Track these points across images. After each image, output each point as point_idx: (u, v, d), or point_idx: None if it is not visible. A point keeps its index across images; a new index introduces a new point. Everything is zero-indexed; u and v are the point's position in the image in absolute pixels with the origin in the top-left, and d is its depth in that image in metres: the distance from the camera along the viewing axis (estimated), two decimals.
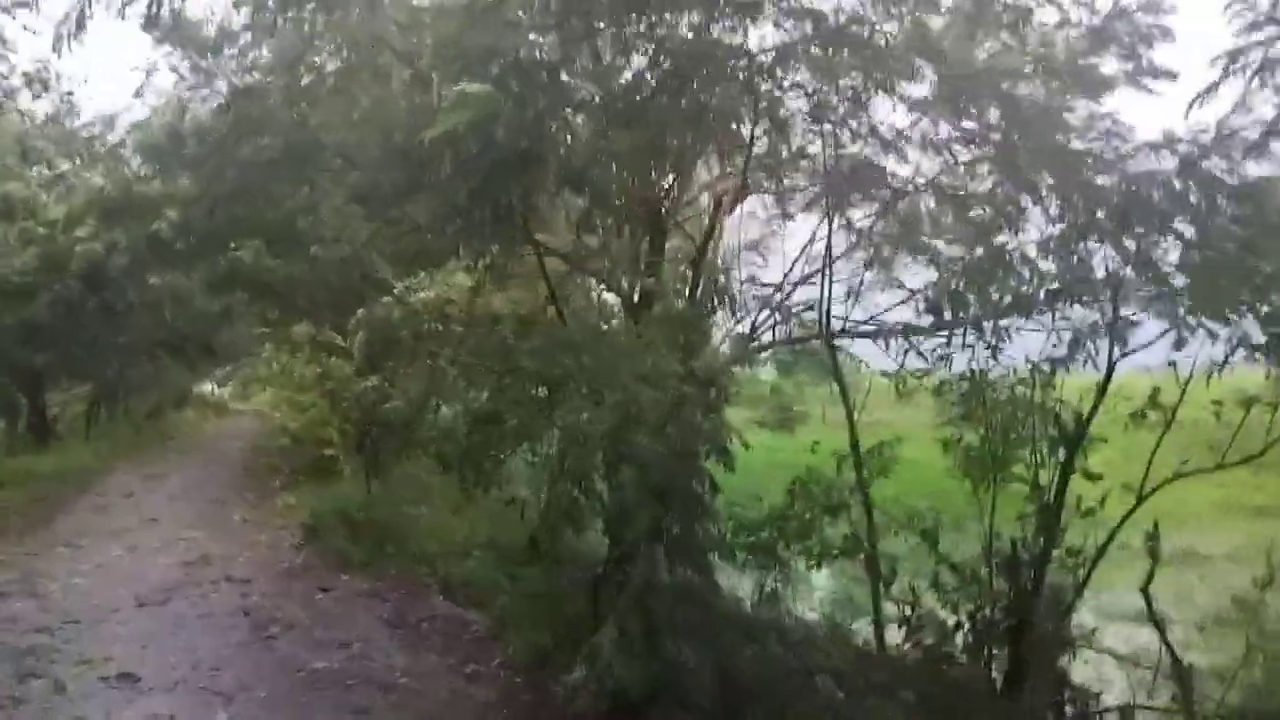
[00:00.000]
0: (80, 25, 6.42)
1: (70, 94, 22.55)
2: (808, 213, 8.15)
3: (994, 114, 6.65)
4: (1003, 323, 6.57)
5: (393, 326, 11.99)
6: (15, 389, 23.38)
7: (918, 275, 7.43)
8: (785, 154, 7.43)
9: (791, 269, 8.05)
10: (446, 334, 12.23)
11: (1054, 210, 6.55)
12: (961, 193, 7.44)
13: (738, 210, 8.43)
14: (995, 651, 6.67)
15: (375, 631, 7.37)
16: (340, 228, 13.30)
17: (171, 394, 36.03)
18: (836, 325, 7.31)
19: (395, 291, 13.63)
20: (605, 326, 8.69)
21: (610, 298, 11.39)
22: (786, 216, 8.35)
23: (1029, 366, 6.65)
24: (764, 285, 8.37)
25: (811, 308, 7.69)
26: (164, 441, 26.64)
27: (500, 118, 5.45)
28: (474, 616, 7.92)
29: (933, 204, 7.62)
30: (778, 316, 7.95)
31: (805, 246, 7.99)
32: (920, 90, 6.57)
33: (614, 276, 8.66)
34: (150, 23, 7.12)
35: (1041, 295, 6.31)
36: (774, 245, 8.68)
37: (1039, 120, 6.51)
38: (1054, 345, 6.43)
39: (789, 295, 8.04)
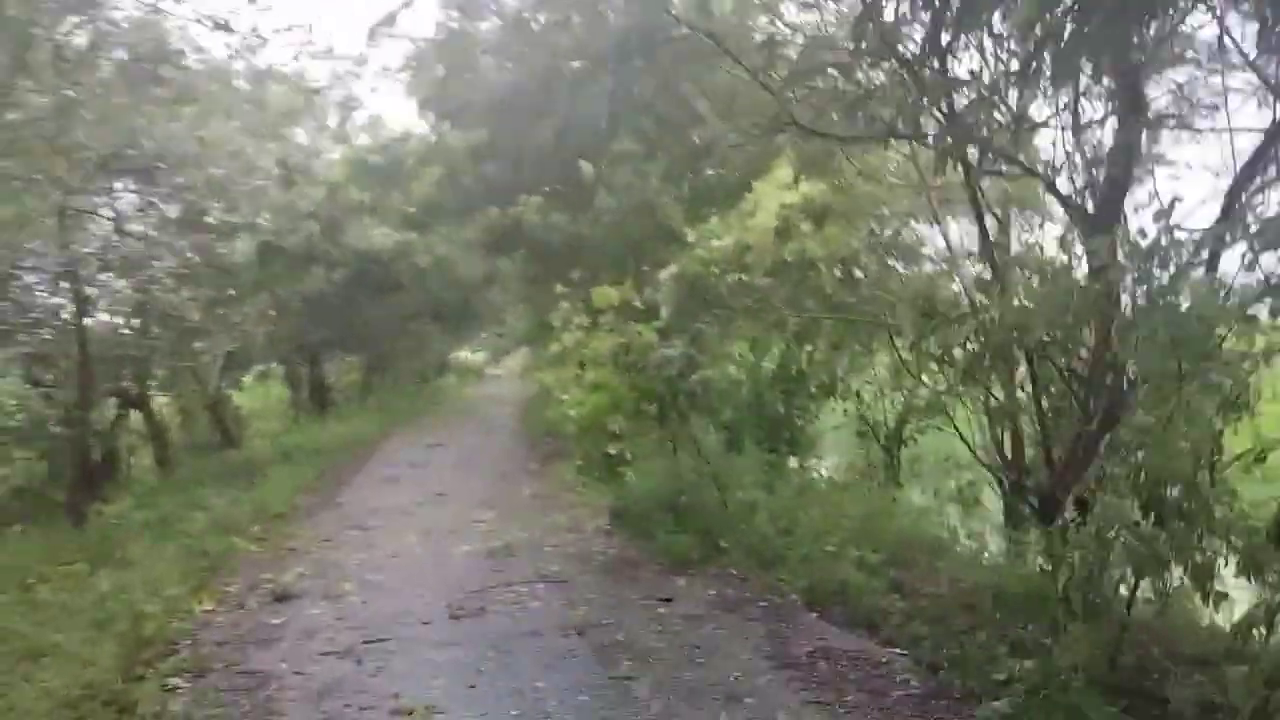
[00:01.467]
0: None
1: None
2: None
3: None
4: None
5: (702, 282, 9.98)
6: (299, 361, 23.79)
7: None
8: None
9: None
10: (748, 286, 10.12)
11: None
12: None
13: None
14: None
15: (760, 672, 5.29)
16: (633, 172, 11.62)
17: (434, 361, 36.62)
18: None
19: (689, 241, 11.69)
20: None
21: None
22: None
23: None
24: None
25: None
26: (433, 408, 26.46)
27: None
28: (876, 648, 5.69)
29: None
30: None
31: None
32: None
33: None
34: None
35: None
36: None
37: None
38: None
39: None
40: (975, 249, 10.58)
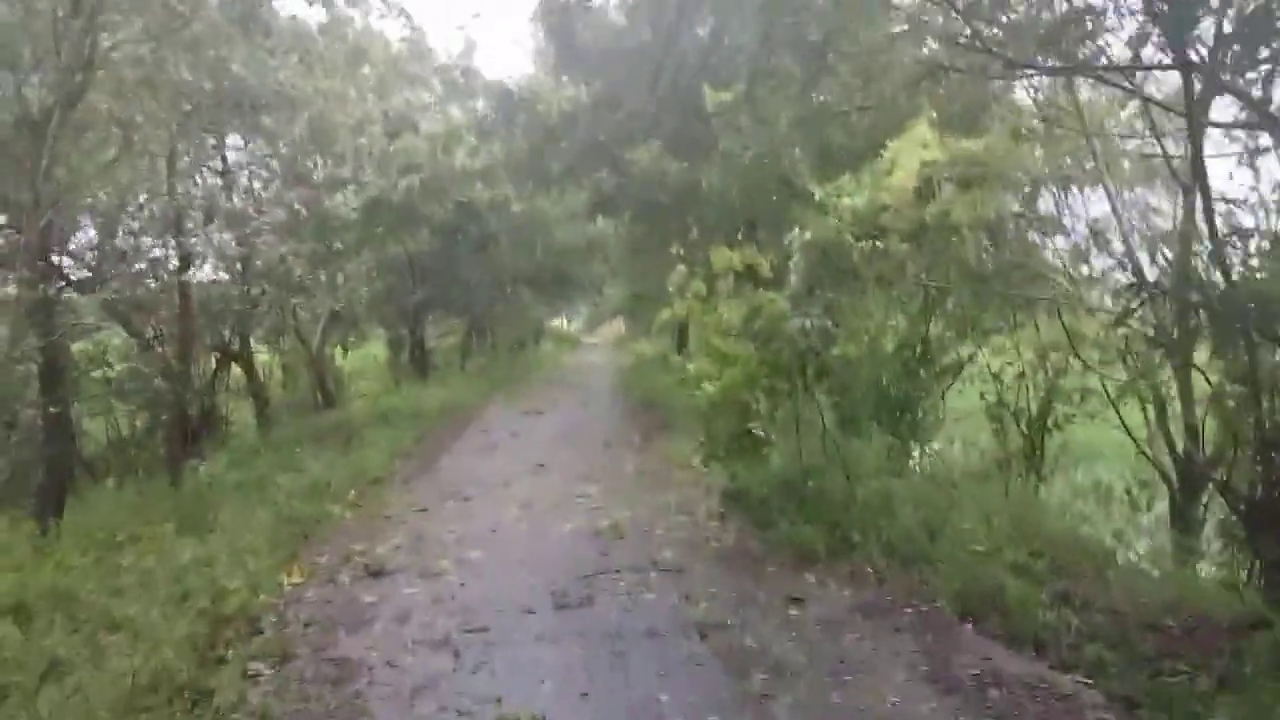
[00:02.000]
0: None
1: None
2: None
3: None
4: None
5: (836, 246, 9.05)
6: (401, 323, 23.65)
7: None
8: None
9: None
10: (882, 252, 9.13)
11: None
12: None
13: None
14: None
15: (920, 697, 4.46)
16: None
17: (532, 327, 36.40)
18: None
19: (818, 199, 10.73)
20: None
21: None
22: None
23: None
24: None
25: None
26: (531, 374, 26.10)
27: None
28: (1053, 674, 4.79)
29: None
30: None
31: None
32: None
33: None
34: None
35: None
36: None
37: None
38: None
39: None
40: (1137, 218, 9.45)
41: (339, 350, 20.30)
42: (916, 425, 10.99)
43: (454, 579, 6.38)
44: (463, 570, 6.58)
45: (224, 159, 12.84)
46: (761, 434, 6.84)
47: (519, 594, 6.00)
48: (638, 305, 26.47)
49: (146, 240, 11.00)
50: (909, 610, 5.73)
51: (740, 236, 13.67)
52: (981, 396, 10.33)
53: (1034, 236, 11.13)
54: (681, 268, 9.40)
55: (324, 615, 5.61)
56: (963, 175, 9.18)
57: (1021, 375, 10.09)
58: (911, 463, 9.94)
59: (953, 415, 11.26)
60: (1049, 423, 10.11)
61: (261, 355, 16.28)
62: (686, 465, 10.52)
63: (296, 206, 11.80)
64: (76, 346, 11.25)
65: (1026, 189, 10.09)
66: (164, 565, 5.72)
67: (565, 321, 51.08)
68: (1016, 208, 10.54)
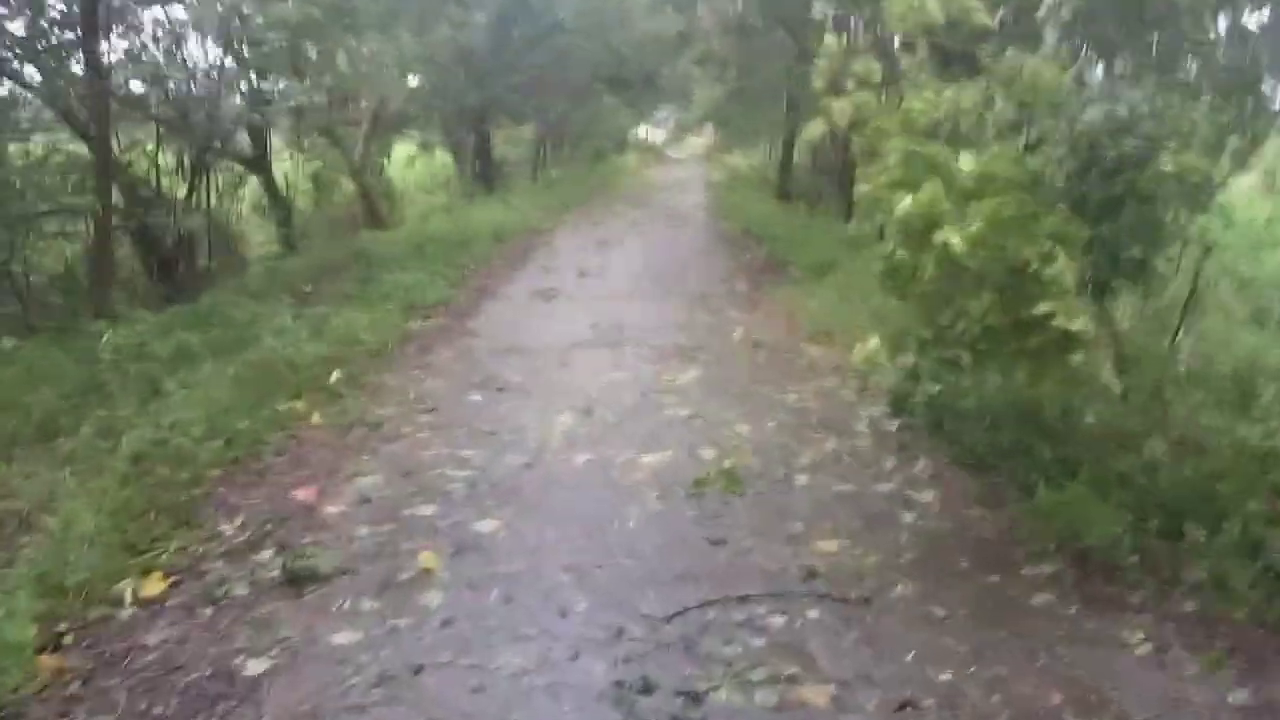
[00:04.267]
0: None
1: None
2: None
3: None
4: None
5: None
6: (461, 129, 20.11)
7: None
8: None
9: None
10: None
11: None
12: None
13: None
14: None
15: None
16: None
17: (612, 136, 32.29)
18: None
19: None
20: None
21: None
22: None
23: None
24: None
25: None
26: (609, 190, 22.50)
27: None
28: None
29: None
30: None
31: None
32: None
33: None
34: None
35: None
36: None
37: None
38: None
39: None
40: None
41: (386, 160, 16.95)
42: None
43: (438, 598, 3.31)
44: (459, 569, 3.50)
45: None
46: (1072, 325, 3.31)
47: (557, 652, 2.92)
48: (737, 109, 22.21)
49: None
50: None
51: None
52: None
53: None
54: (832, 37, 5.70)
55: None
56: None
57: None
58: None
59: None
60: None
61: (286, 162, 13.06)
62: (821, 336, 7.19)
63: None
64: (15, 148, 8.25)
65: None
66: None
67: (649, 131, 46.43)
68: None
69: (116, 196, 7.99)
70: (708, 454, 4.73)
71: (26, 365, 5.67)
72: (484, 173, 20.10)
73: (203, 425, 4.59)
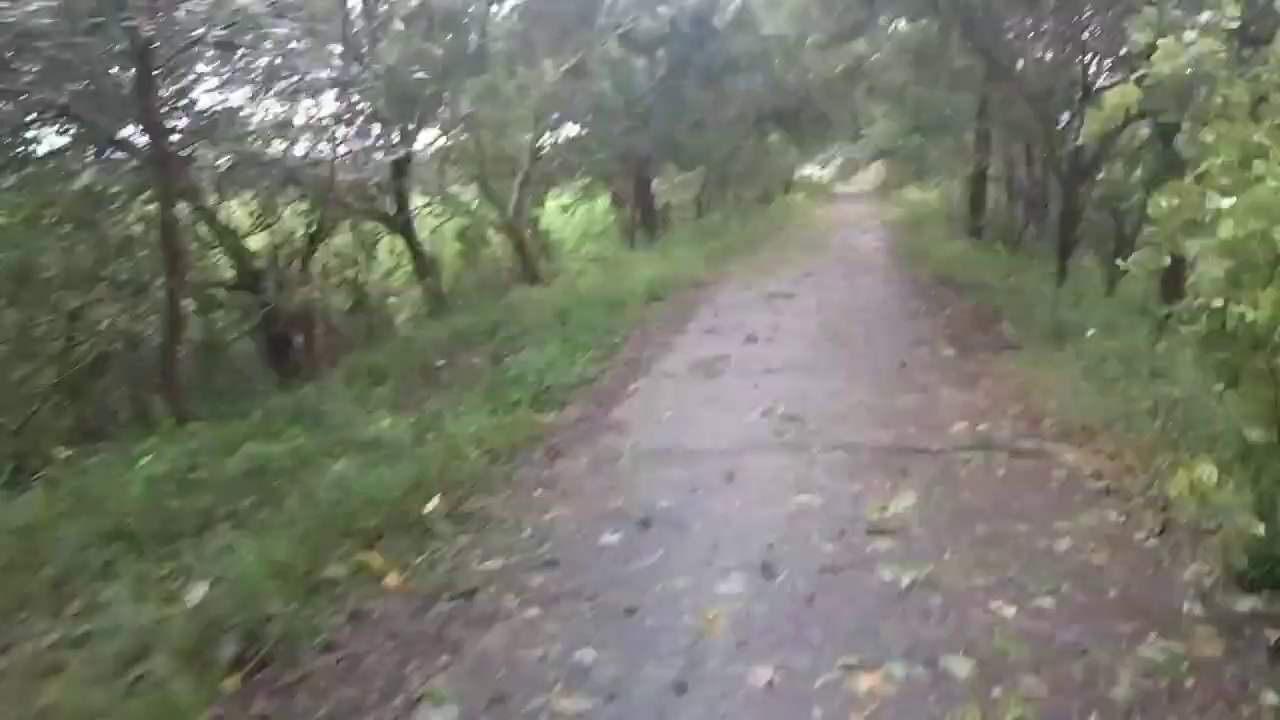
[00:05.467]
0: None
1: None
2: None
3: None
4: None
5: None
6: (622, 175, 18.98)
7: None
8: None
9: None
10: None
11: None
12: None
13: None
14: None
15: None
16: None
17: (778, 176, 30.51)
18: None
19: None
20: None
21: None
22: None
23: None
24: None
25: None
26: (778, 233, 20.73)
27: None
28: None
29: None
30: None
31: None
32: None
33: None
34: None
35: None
36: None
37: None
38: None
39: None
40: None
41: (541, 209, 15.94)
42: None
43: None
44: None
45: None
46: None
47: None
48: (913, 141, 20.06)
49: None
50: None
51: None
52: None
53: None
54: (1151, 9, 3.88)
55: None
56: None
57: None
58: None
59: None
60: None
61: (429, 221, 12.14)
62: (1077, 434, 5.21)
63: None
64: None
65: None
66: None
67: (816, 169, 44.24)
68: None
69: (226, 269, 7.01)
70: (960, 670, 2.94)
71: (74, 488, 4.55)
72: (645, 219, 18.88)
73: (229, 603, 3.23)
